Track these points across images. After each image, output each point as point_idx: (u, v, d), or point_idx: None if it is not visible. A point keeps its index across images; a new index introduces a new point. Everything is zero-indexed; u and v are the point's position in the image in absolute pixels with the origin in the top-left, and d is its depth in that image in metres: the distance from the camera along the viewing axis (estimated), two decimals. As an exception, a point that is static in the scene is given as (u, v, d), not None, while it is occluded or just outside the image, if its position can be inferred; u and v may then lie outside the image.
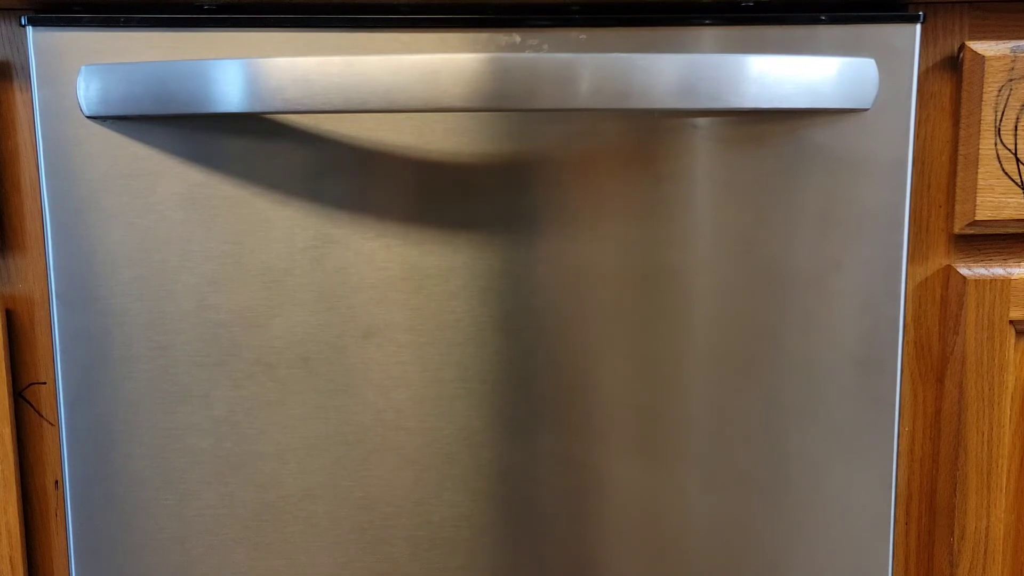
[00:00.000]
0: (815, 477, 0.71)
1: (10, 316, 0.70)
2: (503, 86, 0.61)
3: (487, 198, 0.68)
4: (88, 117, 0.65)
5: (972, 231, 0.71)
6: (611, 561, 0.72)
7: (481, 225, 0.68)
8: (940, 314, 0.73)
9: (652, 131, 0.68)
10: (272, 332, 0.69)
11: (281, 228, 0.68)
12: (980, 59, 0.68)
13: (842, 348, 0.70)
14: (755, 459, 0.71)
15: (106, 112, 0.64)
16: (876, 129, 0.68)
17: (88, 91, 0.64)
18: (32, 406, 0.71)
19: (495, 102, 0.61)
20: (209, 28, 0.65)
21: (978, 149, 0.69)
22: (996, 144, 0.69)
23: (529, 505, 0.71)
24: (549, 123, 0.67)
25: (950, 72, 0.70)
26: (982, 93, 0.69)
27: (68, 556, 0.70)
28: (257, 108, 0.62)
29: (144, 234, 0.67)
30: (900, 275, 0.70)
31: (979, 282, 0.71)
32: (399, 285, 0.69)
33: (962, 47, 0.69)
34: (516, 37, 0.66)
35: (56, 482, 0.72)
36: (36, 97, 0.65)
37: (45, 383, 0.71)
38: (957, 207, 0.71)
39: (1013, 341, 0.73)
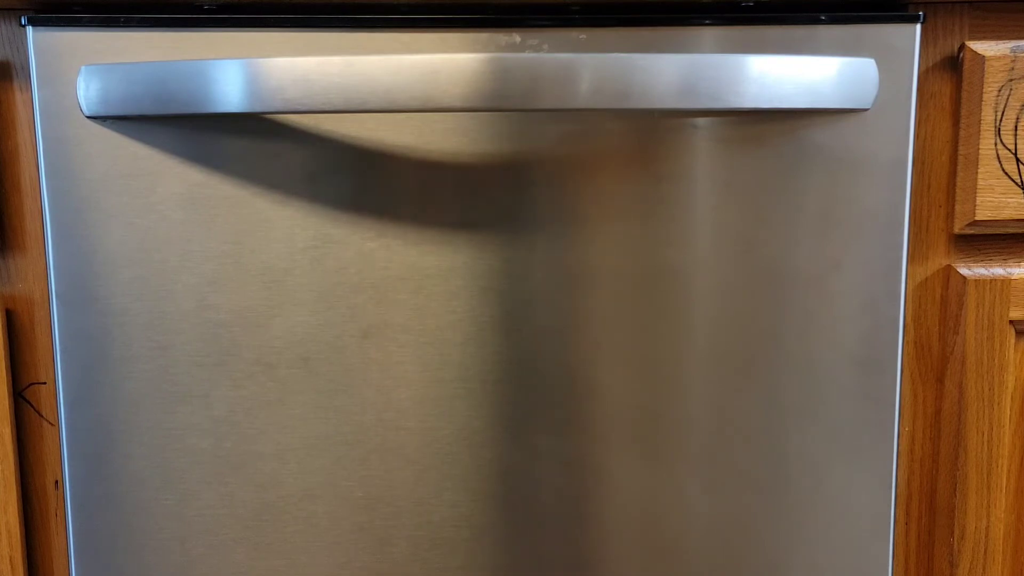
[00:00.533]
0: (815, 477, 0.71)
1: (10, 316, 0.70)
2: (503, 86, 0.61)
3: (487, 198, 0.68)
4: (88, 117, 0.65)
5: (972, 231, 0.71)
6: (611, 561, 0.72)
7: (481, 225, 0.68)
8: (940, 314, 0.73)
9: (652, 131, 0.68)
10: (272, 332, 0.69)
11: (281, 228, 0.68)
12: (980, 59, 0.68)
13: (842, 348, 0.70)
14: (755, 459, 0.71)
15: (106, 112, 0.64)
16: (876, 129, 0.68)
17: (88, 91, 0.64)
18: (32, 406, 0.71)
19: (495, 102, 0.61)
20: (209, 28, 0.65)
21: (978, 149, 0.69)
22: (996, 144, 0.69)
23: (529, 505, 0.71)
24: (549, 123, 0.67)
25: (950, 72, 0.70)
26: (982, 93, 0.69)
27: (68, 556, 0.70)
28: (257, 108, 0.62)
29: (144, 234, 0.67)
30: (900, 275, 0.70)
31: (979, 282, 0.71)
32: (399, 285, 0.69)
33: (962, 47, 0.69)
34: (516, 37, 0.66)
35: (56, 482, 0.72)
36: (36, 97, 0.65)
37: (45, 383, 0.71)
38: (957, 207, 0.71)
39: (1013, 341, 0.73)
